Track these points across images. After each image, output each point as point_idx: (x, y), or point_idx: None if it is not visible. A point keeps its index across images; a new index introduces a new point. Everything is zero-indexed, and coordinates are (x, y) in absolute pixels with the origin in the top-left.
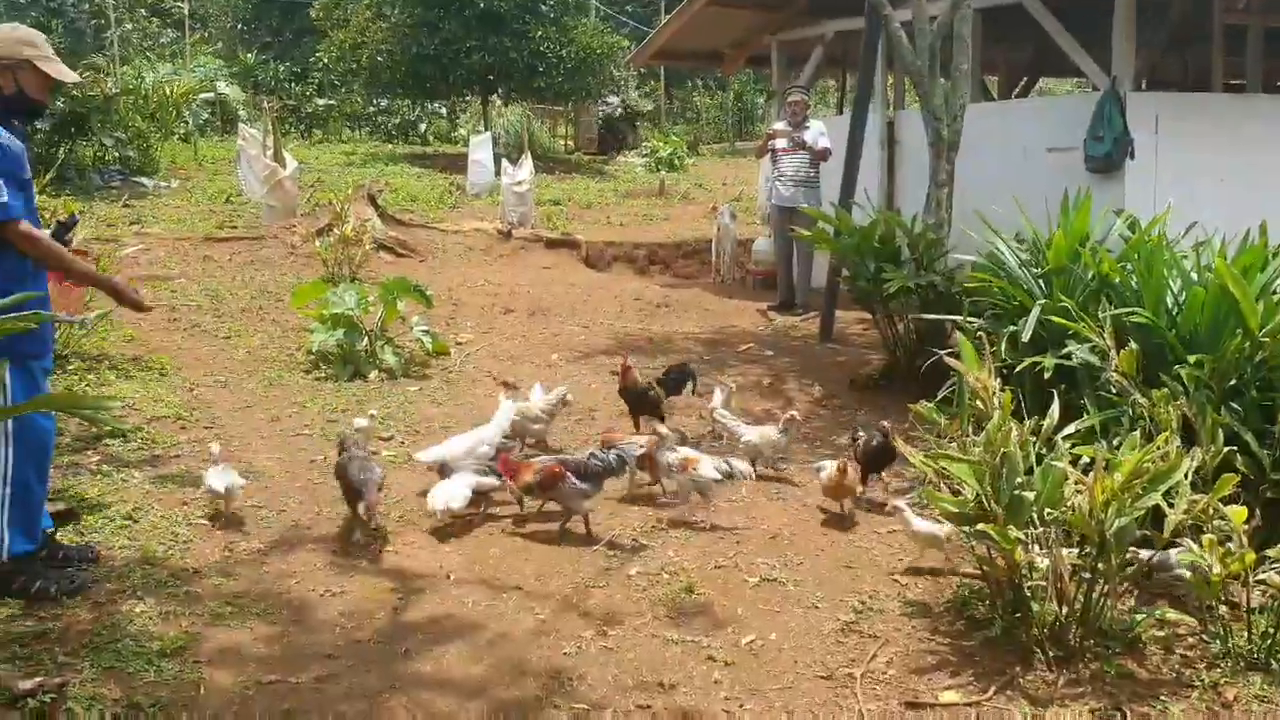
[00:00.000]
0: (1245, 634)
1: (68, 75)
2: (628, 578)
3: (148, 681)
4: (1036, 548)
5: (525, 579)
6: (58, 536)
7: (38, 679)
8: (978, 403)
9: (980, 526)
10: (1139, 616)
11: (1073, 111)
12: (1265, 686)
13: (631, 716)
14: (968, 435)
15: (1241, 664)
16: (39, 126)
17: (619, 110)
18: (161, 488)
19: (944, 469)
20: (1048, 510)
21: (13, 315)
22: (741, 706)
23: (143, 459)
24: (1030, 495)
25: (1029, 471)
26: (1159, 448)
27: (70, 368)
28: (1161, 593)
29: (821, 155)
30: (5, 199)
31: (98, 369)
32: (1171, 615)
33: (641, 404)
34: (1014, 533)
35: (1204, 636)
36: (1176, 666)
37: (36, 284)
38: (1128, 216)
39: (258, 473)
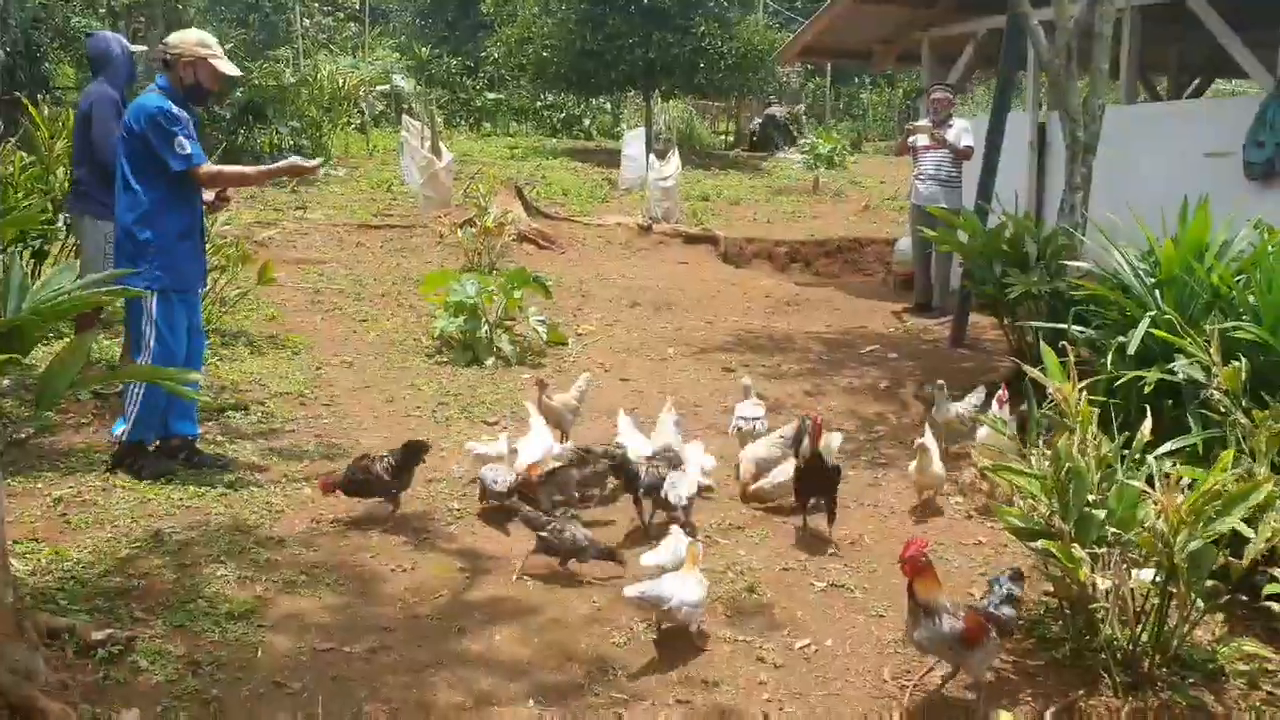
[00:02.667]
0: None
1: (233, 70)
2: None
3: (212, 641)
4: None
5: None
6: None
7: (108, 631)
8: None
9: (1042, 543)
10: (1224, 648)
11: (1234, 115)
12: None
13: (668, 710)
14: (1038, 448)
15: None
16: (220, 113)
17: (782, 113)
18: (267, 459)
19: (1014, 482)
20: (1113, 530)
21: (104, 290)
22: (781, 709)
23: (258, 432)
24: (1100, 514)
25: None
26: (1236, 469)
27: (208, 343)
28: (1264, 625)
29: (964, 154)
30: (190, 150)
31: (234, 345)
32: (1250, 648)
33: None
34: (1078, 551)
35: None
36: (1257, 703)
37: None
38: (1258, 225)
39: (363, 451)
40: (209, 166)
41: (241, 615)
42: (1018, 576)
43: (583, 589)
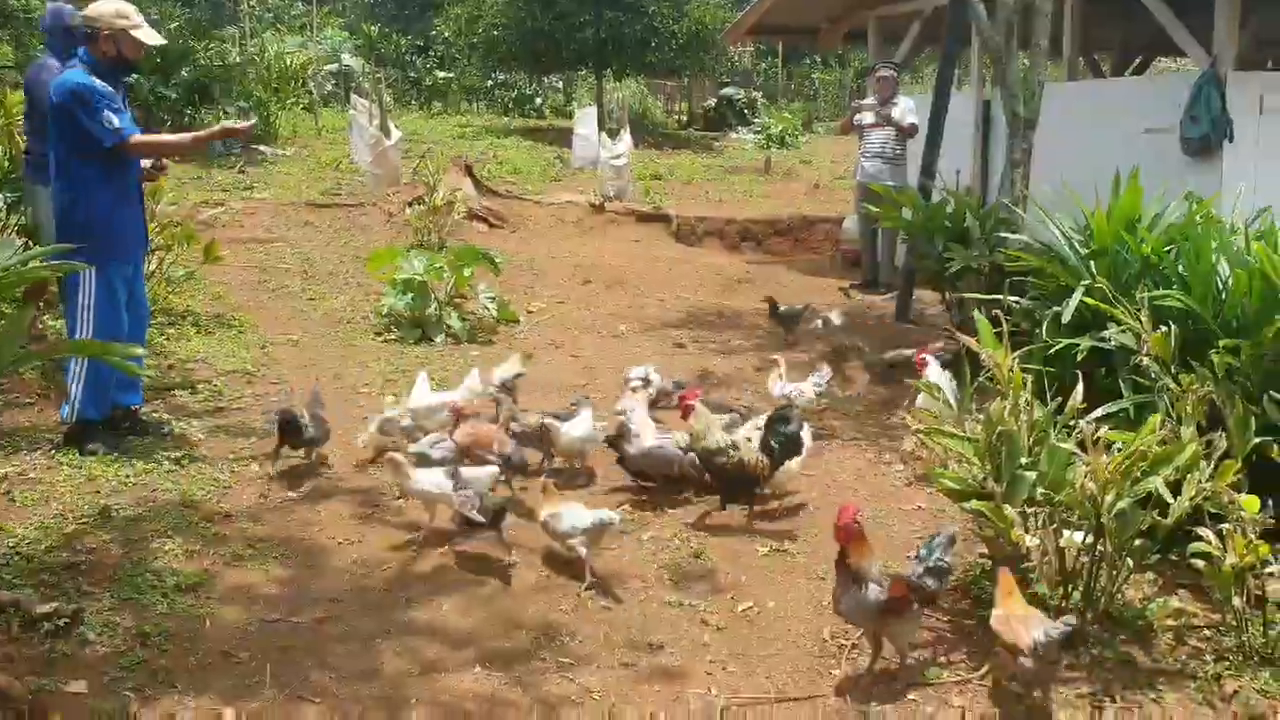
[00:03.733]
0: (1263, 628)
1: (154, 39)
2: (639, 541)
3: (160, 613)
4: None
5: (538, 539)
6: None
7: (54, 605)
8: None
9: (975, 504)
10: (1152, 605)
11: (1171, 91)
12: (1272, 681)
13: (614, 673)
14: (971, 413)
15: (1255, 658)
16: (166, 94)
17: (738, 94)
18: (214, 437)
19: (948, 446)
20: (1043, 491)
21: (48, 264)
22: (724, 669)
23: (206, 410)
24: (1031, 475)
25: None
26: (1163, 432)
27: (154, 322)
28: (1191, 583)
29: (908, 131)
30: (119, 124)
31: (180, 324)
32: (1175, 604)
33: None
34: (1009, 511)
35: (1220, 628)
36: (1184, 657)
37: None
38: (1189, 197)
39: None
40: (139, 137)
41: (189, 588)
42: (948, 544)
43: (529, 557)
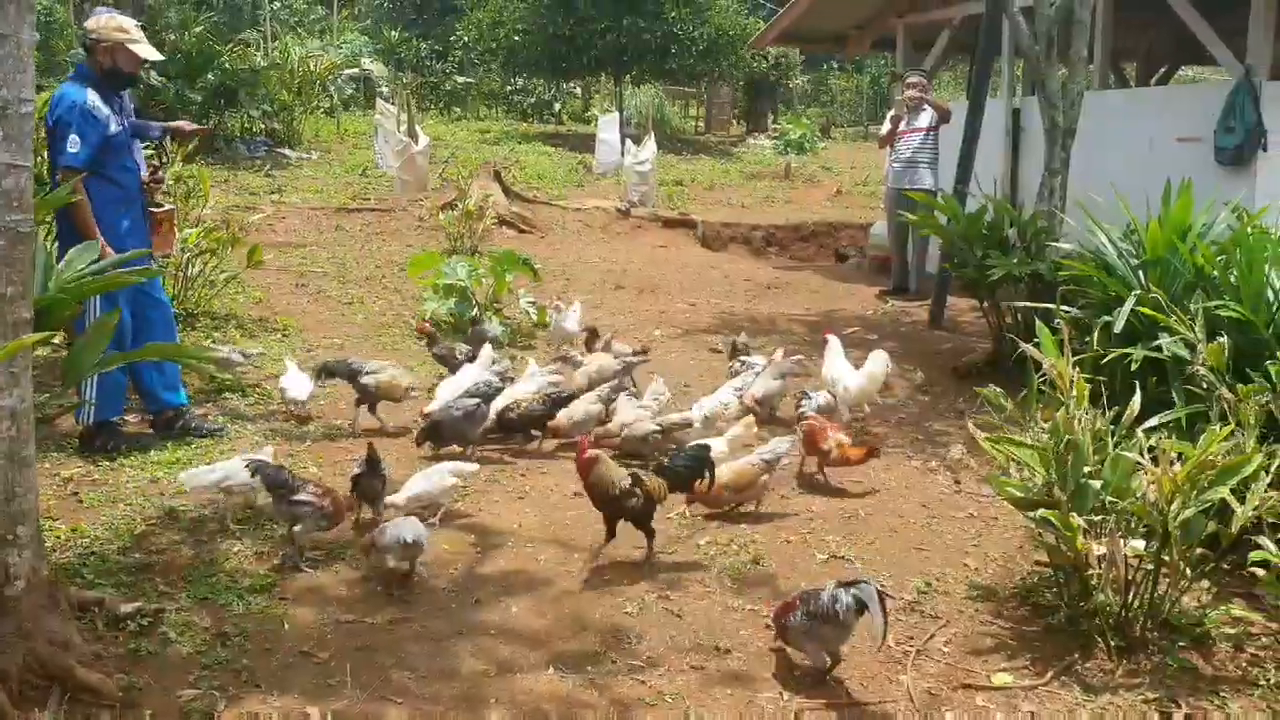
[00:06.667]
0: None
1: (152, 54)
2: (697, 546)
3: (237, 614)
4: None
5: (597, 540)
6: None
7: (137, 604)
8: (1058, 393)
9: (1042, 512)
10: (1211, 613)
11: (1203, 100)
12: None
13: (684, 676)
14: (1035, 421)
15: None
16: (190, 97)
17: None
18: (270, 440)
19: (1011, 454)
20: (1110, 500)
21: (127, 270)
22: (792, 674)
23: (258, 413)
24: (1097, 484)
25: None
26: (1228, 442)
27: (199, 325)
28: (1243, 591)
29: (944, 113)
30: (75, 151)
31: (225, 327)
32: (1237, 612)
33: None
34: (1076, 520)
35: (1279, 637)
36: (1244, 665)
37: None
38: (1236, 208)
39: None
40: (73, 181)
41: (262, 588)
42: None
43: (592, 560)
